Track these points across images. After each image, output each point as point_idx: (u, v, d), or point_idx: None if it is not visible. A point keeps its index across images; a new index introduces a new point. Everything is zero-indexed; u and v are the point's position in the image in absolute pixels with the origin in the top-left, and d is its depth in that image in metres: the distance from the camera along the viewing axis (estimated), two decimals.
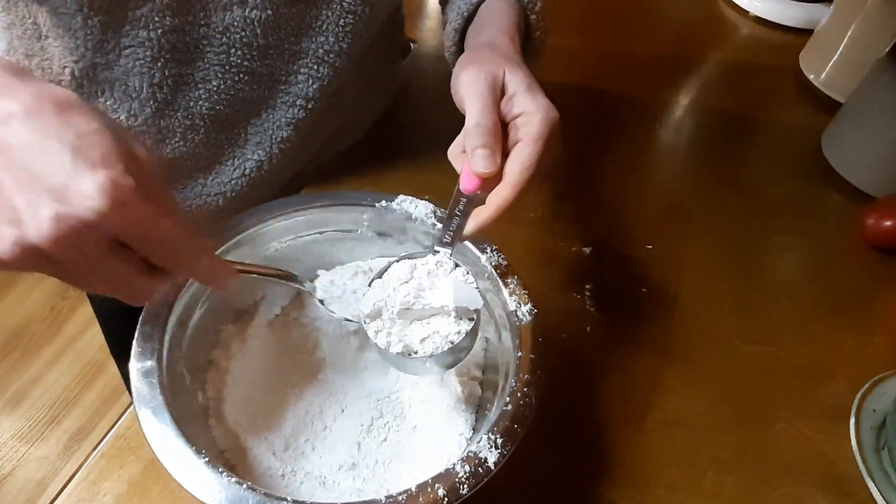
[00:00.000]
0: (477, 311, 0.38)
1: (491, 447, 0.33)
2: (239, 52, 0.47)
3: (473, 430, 0.42)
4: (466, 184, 0.38)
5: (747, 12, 0.94)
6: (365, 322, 0.38)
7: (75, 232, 0.24)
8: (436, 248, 0.40)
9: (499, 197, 0.37)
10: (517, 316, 0.40)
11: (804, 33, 0.90)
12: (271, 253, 0.45)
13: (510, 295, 0.41)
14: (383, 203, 0.45)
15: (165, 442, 0.32)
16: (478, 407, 0.44)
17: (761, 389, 0.52)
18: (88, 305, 0.76)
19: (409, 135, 0.71)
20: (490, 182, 0.38)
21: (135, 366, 0.35)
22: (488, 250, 0.43)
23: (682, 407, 0.50)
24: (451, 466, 0.32)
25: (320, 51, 0.50)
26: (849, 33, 0.78)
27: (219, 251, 0.43)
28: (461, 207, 0.38)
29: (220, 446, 0.39)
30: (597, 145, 0.72)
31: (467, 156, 0.37)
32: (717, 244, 0.63)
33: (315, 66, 0.50)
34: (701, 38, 0.93)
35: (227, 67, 0.48)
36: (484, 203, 0.38)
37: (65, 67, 0.47)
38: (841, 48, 0.79)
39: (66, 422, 1.42)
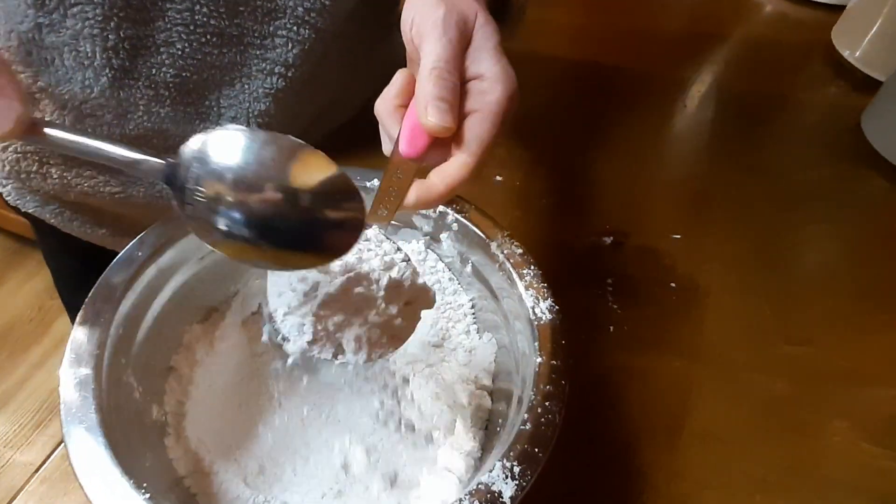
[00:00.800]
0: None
1: (506, 477, 0.27)
2: (205, 10, 0.41)
3: (483, 449, 0.35)
4: (409, 146, 0.30)
5: None
6: (274, 311, 0.30)
7: None
8: (367, 222, 0.32)
9: (454, 171, 0.30)
10: (535, 314, 0.33)
11: (833, 9, 0.83)
12: None
13: (526, 289, 0.34)
14: (375, 182, 0.39)
15: (96, 471, 0.26)
16: (487, 421, 0.37)
17: (807, 396, 0.46)
18: None
19: None
20: (436, 149, 0.30)
21: (66, 374, 0.29)
22: (499, 237, 0.37)
23: (718, 417, 0.44)
24: (458, 503, 0.26)
25: (299, 9, 0.43)
26: (887, 6, 0.71)
27: (184, 239, 0.36)
28: (399, 175, 0.30)
29: (178, 471, 0.33)
30: (613, 127, 0.65)
31: (417, 108, 0.30)
32: (750, 233, 0.56)
33: (294, 27, 0.44)
34: (721, 14, 0.86)
35: (191, 28, 0.41)
36: (425, 176, 0.31)
37: (10, 31, 0.41)
38: (879, 22, 0.72)
39: (52, 426, 1.36)
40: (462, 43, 0.31)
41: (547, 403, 0.30)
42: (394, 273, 0.30)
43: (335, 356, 0.29)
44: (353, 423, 0.38)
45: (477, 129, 0.30)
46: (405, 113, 0.31)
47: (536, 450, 0.28)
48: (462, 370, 0.38)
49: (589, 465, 0.40)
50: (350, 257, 0.29)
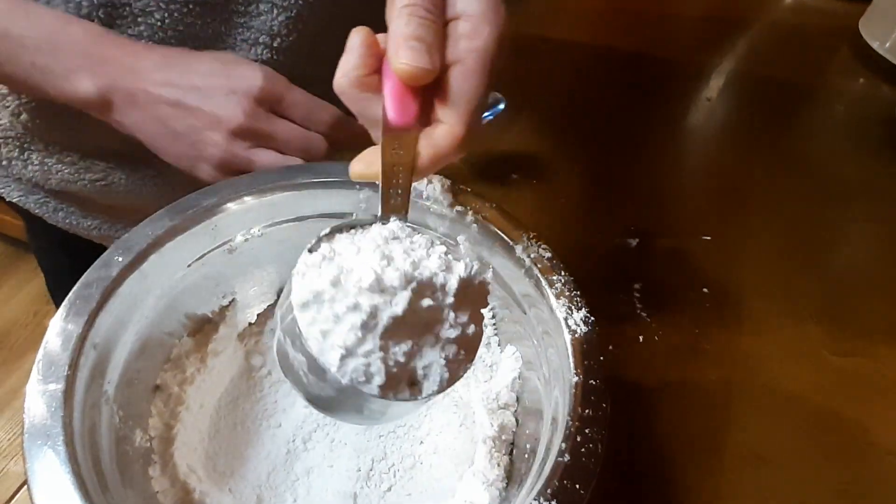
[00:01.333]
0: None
1: None
2: None
3: (508, 478, 0.31)
4: (398, 112, 0.24)
5: None
6: (321, 358, 0.23)
7: (249, 101, 0.35)
8: (383, 215, 0.26)
9: (441, 139, 0.25)
10: (568, 326, 0.29)
11: (860, 1, 0.79)
12: (238, 243, 0.35)
13: (557, 298, 0.30)
14: None
15: None
16: (512, 445, 0.33)
17: (859, 412, 0.42)
18: None
19: None
20: (431, 110, 0.25)
21: (33, 394, 0.25)
22: (525, 239, 0.33)
23: (763, 437, 0.40)
24: None
25: None
26: None
27: (170, 242, 0.32)
28: (399, 152, 0.25)
29: None
30: (634, 118, 0.62)
31: (388, 52, 0.25)
32: (787, 234, 0.52)
33: None
34: (739, 2, 0.83)
35: None
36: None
37: None
38: None
39: None
40: None
41: (587, 430, 0.26)
42: (461, 271, 0.24)
43: (413, 395, 0.23)
44: (361, 447, 0.34)
45: (462, 84, 0.25)
46: (380, 79, 0.25)
47: (577, 486, 0.24)
48: (482, 387, 0.35)
49: (623, 489, 0.36)
50: (403, 262, 0.23)
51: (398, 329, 0.22)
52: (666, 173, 0.57)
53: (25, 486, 0.36)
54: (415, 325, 0.23)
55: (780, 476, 0.38)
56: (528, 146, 0.56)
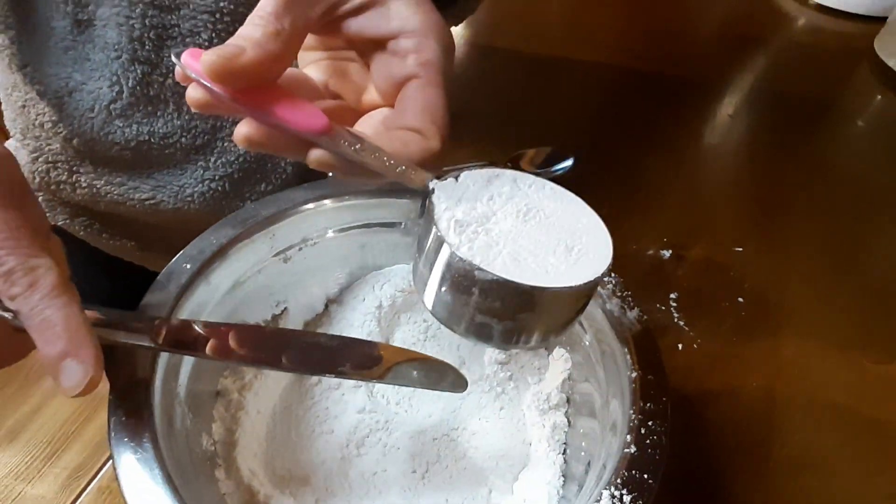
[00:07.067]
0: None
1: None
2: None
3: (564, 476, 0.32)
4: (311, 119, 0.22)
5: (807, 0, 0.86)
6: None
7: None
8: (431, 183, 0.25)
9: (417, 150, 0.24)
10: (622, 323, 0.30)
11: (869, 20, 0.82)
12: (293, 255, 0.36)
13: (609, 297, 0.31)
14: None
15: None
16: (565, 445, 0.33)
17: None
18: None
19: (480, 102, 0.62)
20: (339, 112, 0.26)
21: (115, 399, 0.26)
22: None
23: (809, 444, 0.40)
24: None
25: None
26: None
27: (233, 251, 0.34)
28: (356, 145, 0.23)
29: None
30: (661, 133, 0.63)
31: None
32: (819, 244, 0.53)
33: None
34: (753, 22, 0.85)
35: (217, 16, 0.39)
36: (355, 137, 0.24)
37: (51, 27, 0.39)
38: None
39: (65, 457, 1.32)
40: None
41: (650, 423, 0.26)
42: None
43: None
44: (415, 451, 0.34)
45: (427, 97, 0.24)
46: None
47: (646, 476, 0.24)
48: (532, 390, 0.35)
49: (670, 497, 0.37)
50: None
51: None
52: (696, 187, 0.58)
53: None
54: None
55: (832, 483, 0.38)
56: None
